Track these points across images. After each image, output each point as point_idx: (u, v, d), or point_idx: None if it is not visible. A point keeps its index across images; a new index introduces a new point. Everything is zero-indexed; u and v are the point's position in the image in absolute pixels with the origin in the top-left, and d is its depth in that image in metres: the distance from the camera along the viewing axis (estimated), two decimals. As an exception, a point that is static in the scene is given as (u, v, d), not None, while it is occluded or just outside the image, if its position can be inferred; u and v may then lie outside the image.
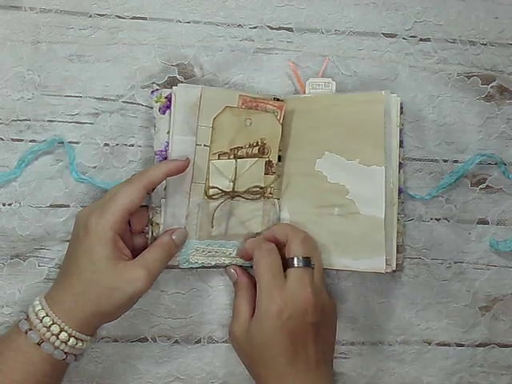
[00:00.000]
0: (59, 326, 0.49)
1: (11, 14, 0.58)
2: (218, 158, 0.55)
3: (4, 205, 0.57)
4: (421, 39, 0.62)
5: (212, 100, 0.56)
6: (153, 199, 0.56)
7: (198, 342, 0.59)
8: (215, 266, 0.58)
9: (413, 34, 0.62)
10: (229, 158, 0.55)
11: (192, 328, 0.59)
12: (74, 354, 0.50)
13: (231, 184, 0.56)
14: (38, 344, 0.49)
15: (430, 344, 0.61)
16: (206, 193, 0.56)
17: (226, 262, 0.58)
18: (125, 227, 0.52)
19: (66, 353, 0.49)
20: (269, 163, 0.57)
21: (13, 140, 0.57)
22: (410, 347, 0.61)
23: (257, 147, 0.55)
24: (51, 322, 0.49)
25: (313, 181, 0.58)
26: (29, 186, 0.57)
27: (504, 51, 0.63)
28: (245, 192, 0.56)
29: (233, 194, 0.55)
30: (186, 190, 0.56)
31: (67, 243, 0.56)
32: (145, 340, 0.58)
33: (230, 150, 0.55)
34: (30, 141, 0.57)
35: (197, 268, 0.58)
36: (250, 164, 0.55)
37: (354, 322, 0.60)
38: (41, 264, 0.57)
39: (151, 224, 0.55)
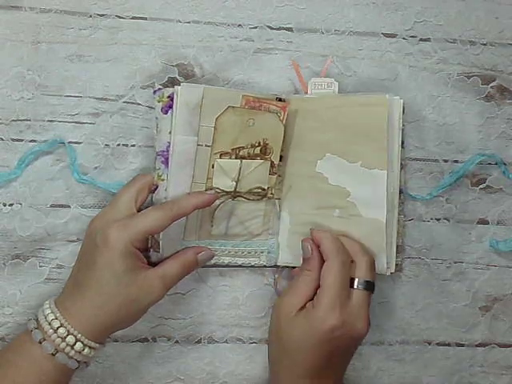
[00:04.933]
0: (75, 336, 0.49)
1: (11, 14, 0.58)
2: (220, 158, 0.55)
3: (5, 205, 0.57)
4: (421, 39, 0.62)
5: (214, 100, 0.55)
6: (154, 200, 0.55)
7: (198, 342, 0.59)
8: (215, 266, 0.58)
9: (413, 34, 0.62)
10: (230, 158, 0.55)
11: (192, 328, 0.59)
12: (85, 362, 0.51)
13: (234, 184, 0.56)
14: (53, 354, 0.48)
15: (429, 344, 0.61)
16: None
17: (226, 261, 0.58)
18: (144, 244, 0.53)
19: (78, 362, 0.49)
20: (271, 163, 0.56)
21: (13, 140, 0.57)
22: (410, 347, 0.61)
23: (259, 147, 0.54)
24: (66, 334, 0.48)
25: (313, 182, 0.58)
26: (29, 187, 0.57)
27: (504, 51, 0.63)
28: (246, 193, 0.56)
29: (234, 194, 0.55)
30: (187, 190, 0.56)
31: (68, 244, 0.57)
32: (145, 340, 0.58)
33: (232, 149, 0.55)
34: (30, 141, 0.57)
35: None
36: (255, 166, 0.55)
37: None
38: (42, 264, 0.57)
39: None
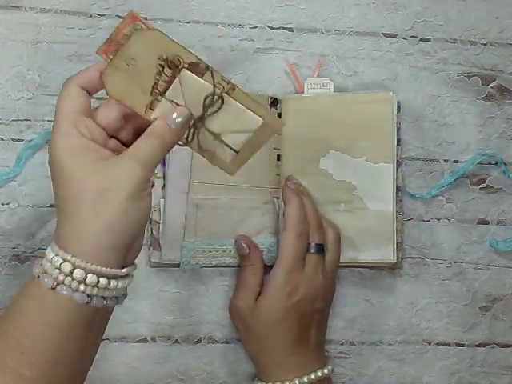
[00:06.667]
0: (70, 262, 0.41)
1: (11, 14, 0.58)
2: (152, 109, 0.44)
3: (3, 204, 0.57)
4: (421, 39, 0.62)
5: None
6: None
7: (198, 341, 0.59)
8: (216, 266, 0.58)
9: (413, 34, 0.62)
10: (159, 101, 0.44)
11: (192, 328, 0.59)
12: (104, 297, 0.42)
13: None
14: (53, 288, 0.41)
15: (429, 344, 0.61)
16: None
17: (227, 261, 0.58)
18: (86, 130, 0.43)
19: (89, 295, 0.41)
20: (192, 65, 0.43)
21: (13, 140, 0.57)
22: (410, 347, 0.61)
23: (166, 68, 0.44)
24: (61, 261, 0.41)
25: (317, 179, 0.58)
26: (28, 186, 0.57)
27: (504, 51, 0.63)
28: (205, 109, 0.44)
29: (199, 119, 0.44)
30: (185, 190, 0.56)
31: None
32: (145, 340, 0.58)
33: (151, 94, 0.44)
34: (30, 141, 0.57)
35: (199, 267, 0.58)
36: (179, 88, 0.44)
37: (353, 322, 0.60)
38: (41, 264, 0.57)
39: (150, 222, 0.55)
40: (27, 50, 0.58)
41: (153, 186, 0.55)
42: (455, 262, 0.61)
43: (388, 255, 0.57)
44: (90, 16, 0.59)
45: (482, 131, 0.62)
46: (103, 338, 0.56)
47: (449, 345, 0.61)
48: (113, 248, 0.42)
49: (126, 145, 0.45)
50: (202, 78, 0.43)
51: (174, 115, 0.43)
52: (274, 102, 0.59)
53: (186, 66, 0.43)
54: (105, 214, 0.41)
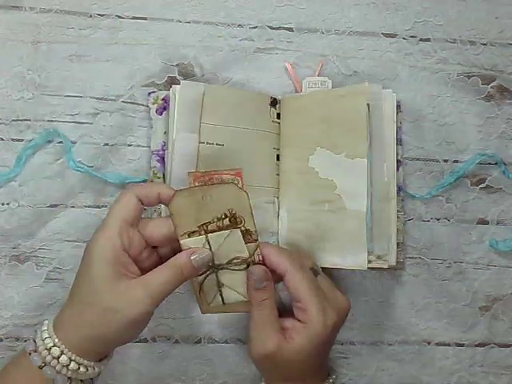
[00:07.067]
0: (59, 348, 0.46)
1: (11, 14, 0.58)
2: (189, 237, 0.50)
3: (3, 204, 0.57)
4: (421, 39, 0.62)
5: (216, 97, 0.56)
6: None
7: (198, 342, 0.59)
8: None
9: (413, 34, 0.62)
10: (200, 235, 0.49)
11: (192, 328, 0.59)
12: (81, 380, 0.48)
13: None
14: (40, 367, 0.46)
15: (429, 344, 0.61)
16: None
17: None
18: (127, 240, 0.48)
19: (69, 378, 0.47)
20: (246, 231, 0.50)
21: (13, 140, 0.57)
22: (410, 347, 0.61)
23: (227, 218, 0.49)
24: (52, 344, 0.46)
25: (307, 178, 0.58)
26: (28, 186, 0.57)
27: (504, 51, 0.63)
28: (228, 263, 0.51)
29: (217, 266, 0.51)
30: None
31: (67, 243, 0.56)
32: (145, 340, 0.58)
33: (199, 227, 0.49)
34: (30, 141, 0.57)
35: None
36: (225, 237, 0.50)
37: (353, 322, 0.60)
38: (40, 265, 0.57)
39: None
40: (27, 50, 0.58)
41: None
42: (455, 262, 0.61)
43: (362, 261, 0.55)
44: (90, 16, 0.59)
45: (482, 131, 0.62)
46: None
47: (448, 345, 0.61)
48: (95, 351, 0.48)
49: (162, 259, 0.50)
50: (245, 243, 0.50)
51: (201, 256, 0.48)
52: (274, 102, 0.59)
53: (243, 228, 0.50)
54: (101, 327, 0.46)
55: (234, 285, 0.51)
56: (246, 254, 0.51)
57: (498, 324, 0.62)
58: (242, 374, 0.59)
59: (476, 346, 0.62)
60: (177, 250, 0.49)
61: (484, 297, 0.62)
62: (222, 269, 0.51)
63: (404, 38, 0.62)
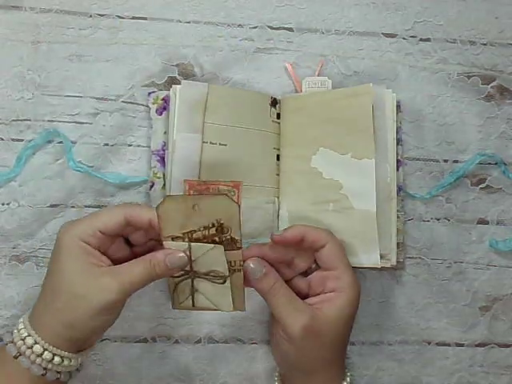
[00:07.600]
0: (33, 337, 0.47)
1: (11, 14, 0.58)
2: (172, 240, 0.49)
3: (3, 204, 0.57)
4: (421, 39, 0.63)
5: (219, 97, 0.56)
6: (151, 197, 0.56)
7: (198, 342, 0.59)
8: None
9: (413, 34, 0.62)
10: (183, 241, 0.49)
11: (192, 328, 0.59)
12: (58, 372, 0.48)
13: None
14: (15, 357, 0.47)
15: (429, 344, 0.61)
16: None
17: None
18: (98, 241, 0.49)
19: (45, 368, 0.47)
20: (232, 239, 0.49)
21: (13, 140, 0.57)
22: (410, 347, 0.61)
23: (213, 228, 0.48)
24: (26, 334, 0.47)
25: (309, 178, 0.58)
26: (28, 186, 0.57)
27: (504, 51, 0.63)
28: (205, 274, 0.51)
29: (193, 274, 0.51)
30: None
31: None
32: (145, 340, 0.58)
33: (183, 233, 0.49)
34: (30, 141, 0.57)
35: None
36: (207, 249, 0.49)
37: (353, 322, 0.60)
38: (40, 265, 0.57)
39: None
40: (27, 50, 0.58)
41: (152, 186, 0.55)
42: (455, 262, 0.61)
43: (375, 260, 0.55)
44: (90, 16, 0.59)
45: (482, 131, 0.63)
46: (103, 337, 0.57)
47: (448, 345, 0.61)
48: (69, 339, 0.48)
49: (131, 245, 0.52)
50: (229, 251, 0.49)
51: (176, 258, 0.48)
52: (274, 102, 0.59)
53: (229, 237, 0.49)
54: (71, 313, 0.47)
55: (208, 293, 0.51)
56: (225, 272, 0.50)
57: (498, 324, 0.62)
58: (242, 374, 0.59)
59: (476, 345, 0.62)
60: (155, 249, 0.50)
61: (484, 297, 0.62)
62: (198, 277, 0.51)
63: (404, 38, 0.62)
